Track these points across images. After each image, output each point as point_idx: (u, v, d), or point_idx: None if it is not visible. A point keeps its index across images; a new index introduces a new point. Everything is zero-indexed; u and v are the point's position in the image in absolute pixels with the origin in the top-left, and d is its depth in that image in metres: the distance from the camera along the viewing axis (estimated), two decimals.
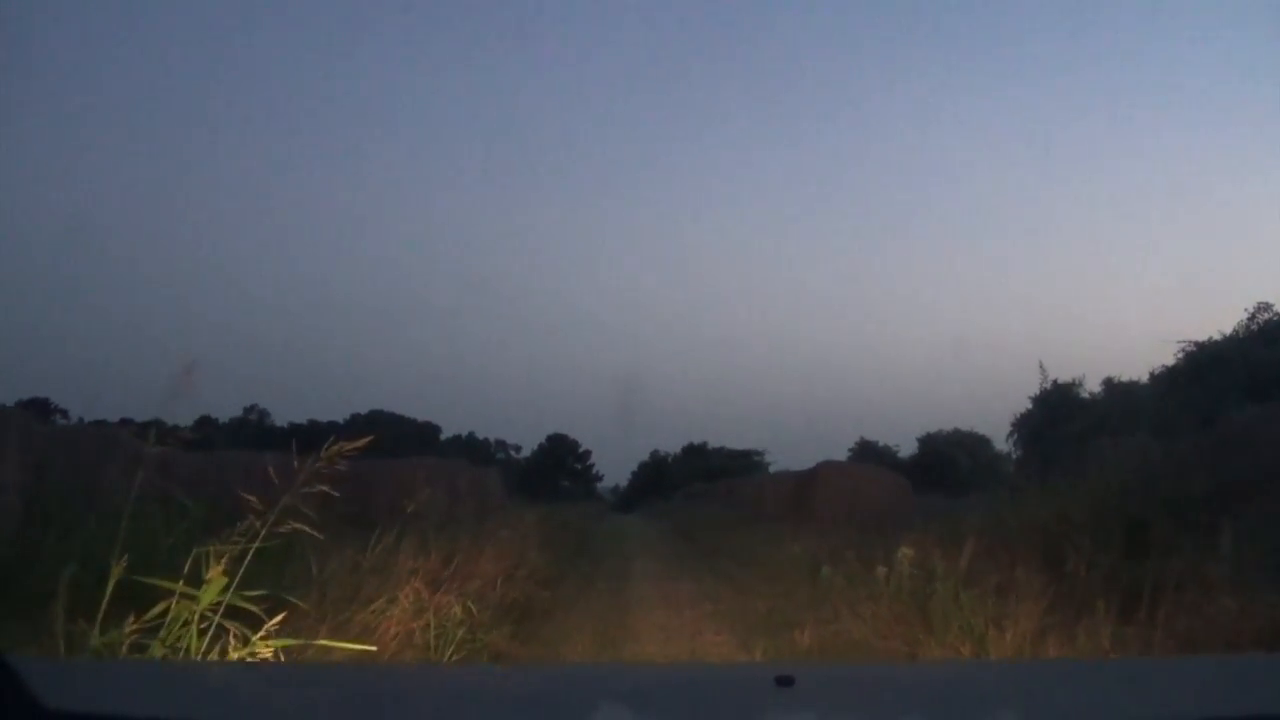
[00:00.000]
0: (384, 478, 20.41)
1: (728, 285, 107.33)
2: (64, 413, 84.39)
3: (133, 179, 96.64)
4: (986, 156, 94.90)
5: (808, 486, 22.42)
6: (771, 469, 55.02)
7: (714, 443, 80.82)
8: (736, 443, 78.48)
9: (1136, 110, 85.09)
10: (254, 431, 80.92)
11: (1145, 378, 32.04)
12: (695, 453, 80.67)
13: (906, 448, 47.86)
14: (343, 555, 7.88)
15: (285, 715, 1.80)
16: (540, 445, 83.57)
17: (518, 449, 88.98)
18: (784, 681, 1.81)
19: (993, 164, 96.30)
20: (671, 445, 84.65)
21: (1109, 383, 32.03)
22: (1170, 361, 27.86)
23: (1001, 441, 43.78)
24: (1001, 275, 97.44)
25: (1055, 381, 31.53)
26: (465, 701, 1.97)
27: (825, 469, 22.30)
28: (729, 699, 2.03)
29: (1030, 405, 32.01)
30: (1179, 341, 26.65)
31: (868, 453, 47.99)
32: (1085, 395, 31.59)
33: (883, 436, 52.32)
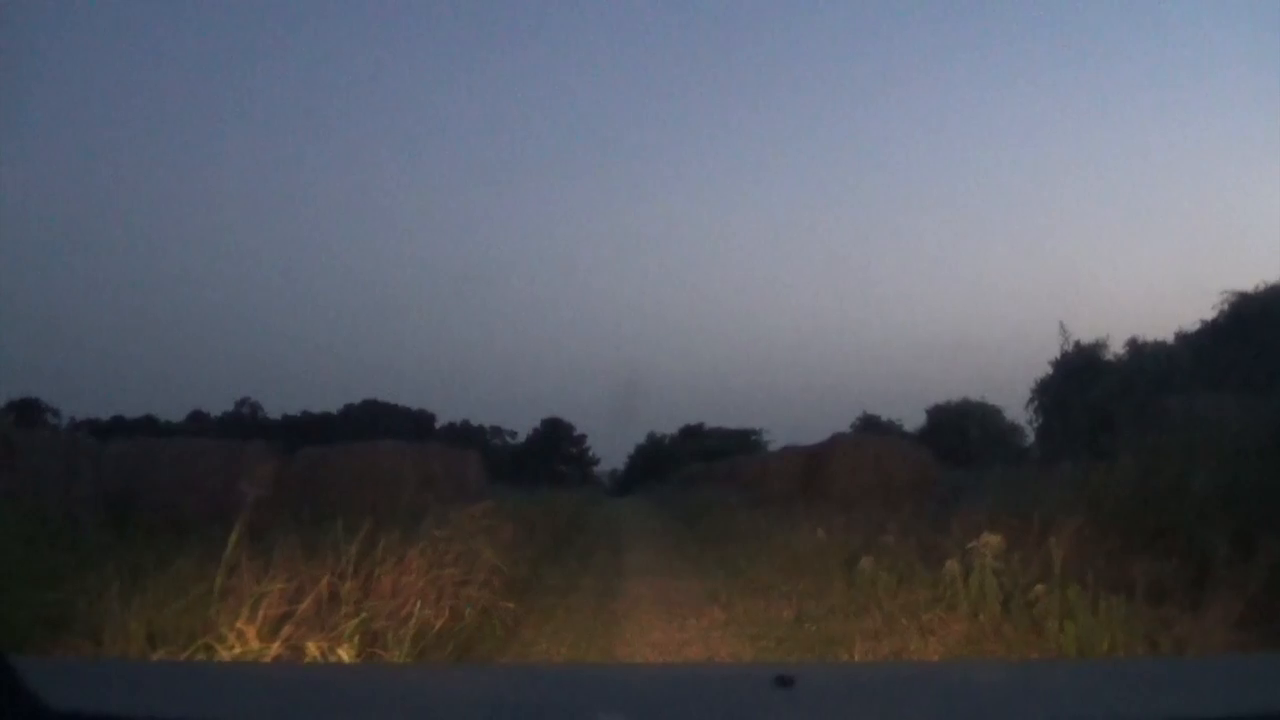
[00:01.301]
0: (336, 465, 17.77)
1: (719, 265, 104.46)
2: (55, 412, 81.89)
3: (123, 173, 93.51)
4: (990, 124, 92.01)
5: (821, 462, 19.79)
6: (770, 448, 52.26)
7: (711, 423, 78.50)
8: (734, 423, 76.10)
9: (1145, 81, 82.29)
10: (246, 424, 78.39)
11: (1170, 337, 29.58)
12: (692, 434, 78.34)
13: (912, 421, 45.22)
14: (186, 569, 5.18)
15: (285, 715, 1.72)
16: (535, 430, 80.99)
17: (513, 435, 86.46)
18: (784, 681, 1.73)
19: (996, 132, 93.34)
20: (668, 427, 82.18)
21: (1134, 343, 29.41)
22: (1204, 317, 25.42)
23: (1014, 411, 41.32)
24: (1003, 245, 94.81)
25: (1078, 343, 28.86)
26: (464, 701, 1.91)
27: (841, 442, 19.64)
28: (729, 699, 1.93)
29: (1050, 370, 29.37)
30: (1221, 293, 24.15)
31: (872, 427, 45.32)
32: (1110, 357, 28.98)
33: (886, 411, 49.52)
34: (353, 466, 16.92)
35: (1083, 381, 27.77)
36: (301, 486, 17.26)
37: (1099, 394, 26.05)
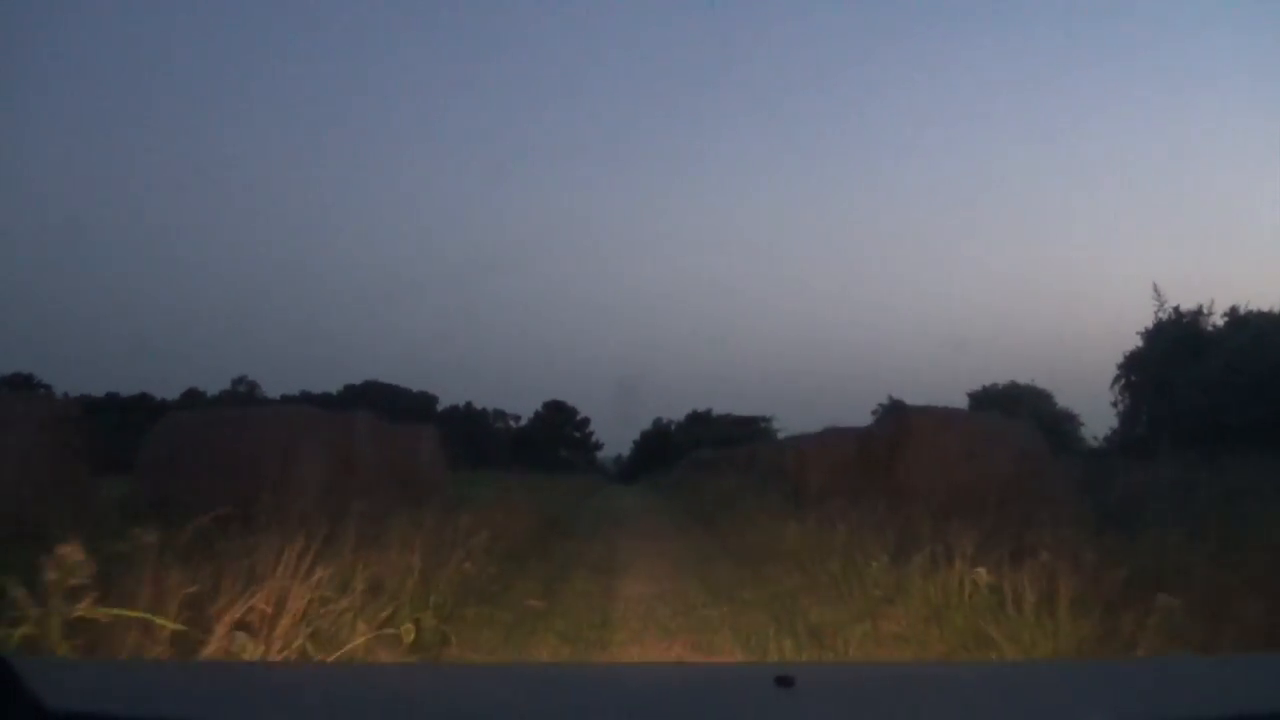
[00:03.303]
0: (209, 438, 12.12)
1: (728, 250, 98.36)
2: (47, 387, 76.78)
3: (124, 150, 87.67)
4: (1009, 111, 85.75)
5: (887, 447, 14.01)
6: (781, 435, 46.20)
7: (719, 410, 73.02)
8: (742, 409, 70.52)
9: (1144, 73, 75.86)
10: (242, 404, 73.24)
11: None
12: (700, 420, 73.08)
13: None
14: None
15: (285, 715, 1.63)
16: (537, 413, 75.39)
17: (517, 419, 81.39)
18: (784, 681, 1.63)
19: (1013, 119, 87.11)
20: (675, 413, 76.69)
21: (1234, 314, 23.51)
22: None
23: (1064, 397, 35.39)
24: (1019, 230, 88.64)
25: (1177, 310, 22.85)
26: (464, 701, 1.79)
27: (921, 419, 13.80)
28: (729, 699, 1.80)
29: (1141, 343, 23.38)
30: None
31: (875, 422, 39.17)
32: (1210, 328, 23.03)
33: (911, 395, 43.45)
34: (227, 440, 11.26)
35: (1184, 355, 21.89)
36: (162, 466, 11.63)
37: (1213, 370, 20.15)
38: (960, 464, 12.88)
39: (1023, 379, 34.82)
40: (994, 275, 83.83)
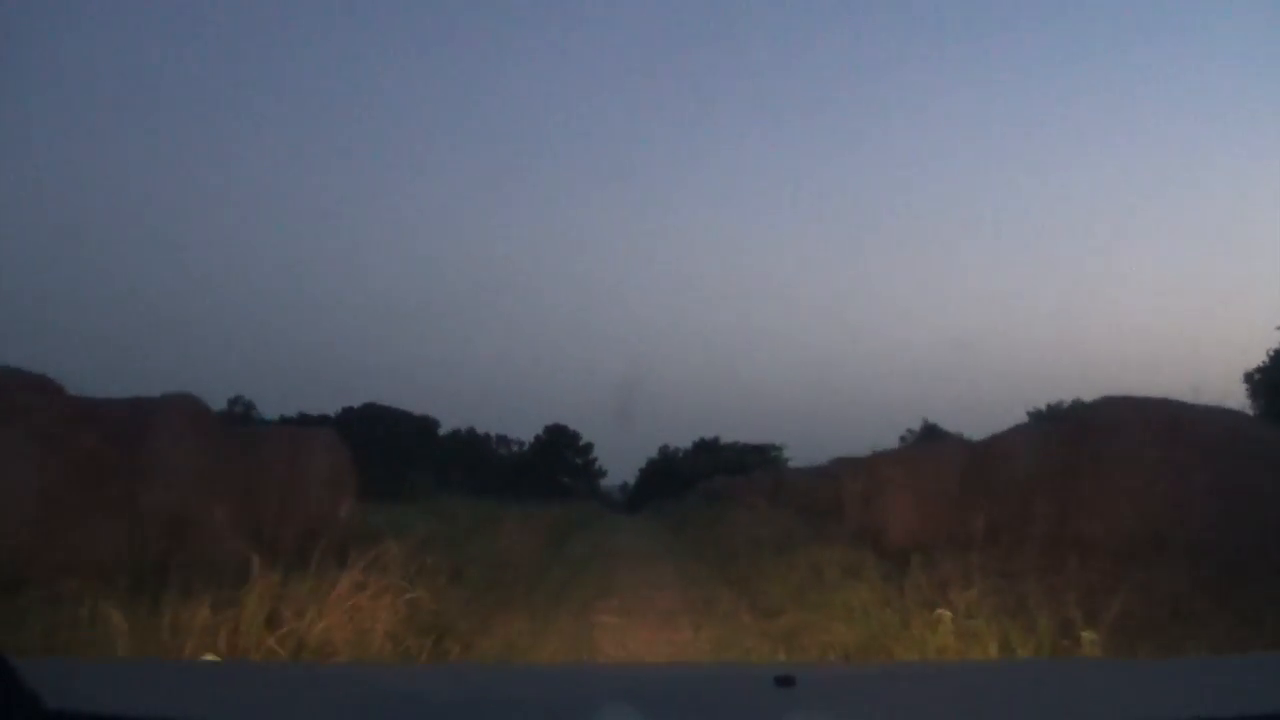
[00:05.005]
0: None
1: (734, 276, 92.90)
2: None
3: (122, 168, 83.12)
4: (1013, 132, 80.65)
5: (1058, 461, 8.19)
6: (791, 464, 40.05)
7: (726, 438, 67.43)
8: (750, 438, 64.85)
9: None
10: (238, 425, 67.98)
11: None
12: (707, 448, 67.70)
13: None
14: None
15: (285, 715, 1.59)
16: (537, 437, 69.69)
17: (520, 444, 76.05)
18: (784, 681, 1.60)
19: (1003, 140, 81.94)
20: (682, 441, 71.22)
21: None
22: None
23: None
24: (1019, 254, 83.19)
25: None
26: (465, 701, 1.73)
27: (1116, 409, 7.95)
28: (729, 699, 1.79)
29: (1267, 359, 17.44)
30: None
31: (935, 441, 33.11)
32: None
33: (945, 421, 37.17)
34: None
35: None
36: None
37: None
38: (1192, 490, 7.08)
39: (1079, 398, 28.85)
40: (1030, 292, 77.75)
